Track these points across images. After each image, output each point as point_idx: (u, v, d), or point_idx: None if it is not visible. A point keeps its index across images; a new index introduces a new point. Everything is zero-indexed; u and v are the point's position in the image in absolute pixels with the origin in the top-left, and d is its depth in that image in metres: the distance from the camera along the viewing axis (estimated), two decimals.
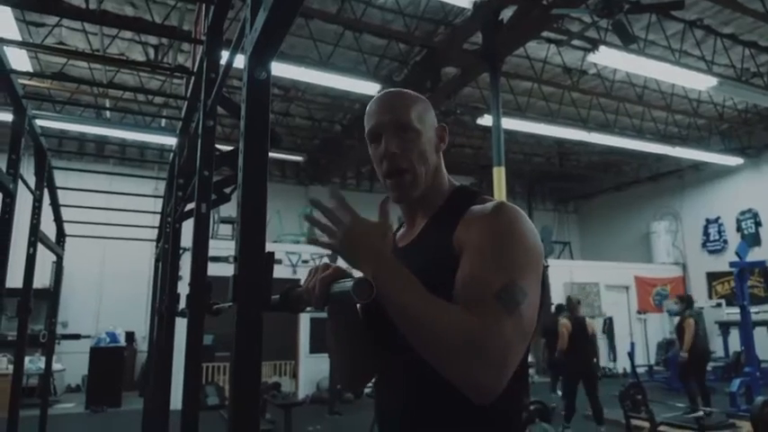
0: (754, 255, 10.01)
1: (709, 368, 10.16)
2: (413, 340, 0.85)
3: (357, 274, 0.93)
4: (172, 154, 4.12)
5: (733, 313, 9.59)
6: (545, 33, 7.48)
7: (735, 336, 9.37)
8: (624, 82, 9.47)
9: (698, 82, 7.79)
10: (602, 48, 6.73)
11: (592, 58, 7.12)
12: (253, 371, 0.87)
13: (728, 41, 8.25)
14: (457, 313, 0.83)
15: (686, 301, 7.45)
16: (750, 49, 8.47)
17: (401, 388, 1.00)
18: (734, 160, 11.51)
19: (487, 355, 0.80)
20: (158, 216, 6.44)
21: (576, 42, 7.99)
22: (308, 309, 0.97)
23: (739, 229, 12.13)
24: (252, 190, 0.92)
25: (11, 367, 4.48)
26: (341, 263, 0.97)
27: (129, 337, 10.06)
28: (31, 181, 3.87)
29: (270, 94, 1.00)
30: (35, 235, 3.58)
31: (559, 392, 7.14)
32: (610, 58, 6.98)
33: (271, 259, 0.91)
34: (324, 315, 1.11)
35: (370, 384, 1.15)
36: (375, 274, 0.85)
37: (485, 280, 0.86)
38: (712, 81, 7.67)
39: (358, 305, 1.07)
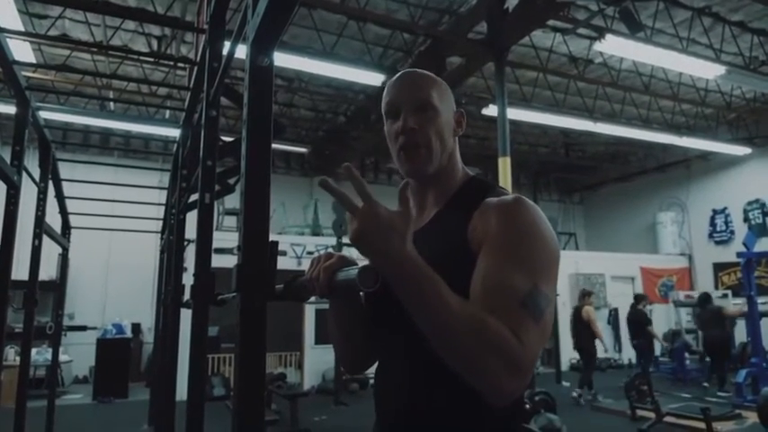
0: (762, 245, 9.94)
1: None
2: (434, 341, 0.81)
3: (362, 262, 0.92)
4: (176, 145, 4.11)
5: (739, 304, 9.55)
6: (551, 22, 7.38)
7: (741, 327, 9.32)
8: (631, 71, 9.38)
9: (706, 70, 7.69)
10: (609, 36, 6.65)
11: (598, 46, 7.03)
12: (257, 358, 0.87)
13: (737, 29, 8.13)
14: (486, 320, 0.79)
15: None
16: (759, 36, 8.36)
17: (403, 376, 0.99)
18: (741, 150, 11.39)
19: (517, 365, 0.79)
20: (163, 208, 6.46)
21: (582, 31, 7.91)
22: (313, 299, 0.96)
23: (746, 219, 12.03)
24: (255, 178, 0.90)
25: (18, 359, 4.51)
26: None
27: (136, 328, 10.11)
28: (36, 173, 3.87)
29: (273, 82, 0.99)
30: (40, 227, 3.59)
31: None
32: (616, 47, 6.90)
33: (274, 248, 0.90)
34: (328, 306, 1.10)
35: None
36: (393, 272, 0.79)
37: (509, 284, 0.84)
38: (720, 70, 7.57)
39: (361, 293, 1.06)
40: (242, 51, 1.15)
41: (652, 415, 5.89)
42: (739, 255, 7.43)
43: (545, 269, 0.89)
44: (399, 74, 1.10)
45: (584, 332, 7.61)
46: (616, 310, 11.96)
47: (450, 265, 0.86)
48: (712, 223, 12.83)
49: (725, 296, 11.39)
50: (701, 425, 5.37)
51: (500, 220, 0.92)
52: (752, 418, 5.73)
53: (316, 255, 0.96)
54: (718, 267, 12.52)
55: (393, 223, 0.79)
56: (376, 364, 1.12)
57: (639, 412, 6.26)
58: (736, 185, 12.29)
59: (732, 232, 12.30)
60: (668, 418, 5.86)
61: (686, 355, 9.61)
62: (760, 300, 7.54)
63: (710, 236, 12.86)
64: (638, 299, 8.73)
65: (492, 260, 0.88)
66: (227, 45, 1.81)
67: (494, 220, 0.92)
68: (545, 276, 0.88)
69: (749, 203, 12.01)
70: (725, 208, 12.55)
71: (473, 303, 0.84)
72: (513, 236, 0.89)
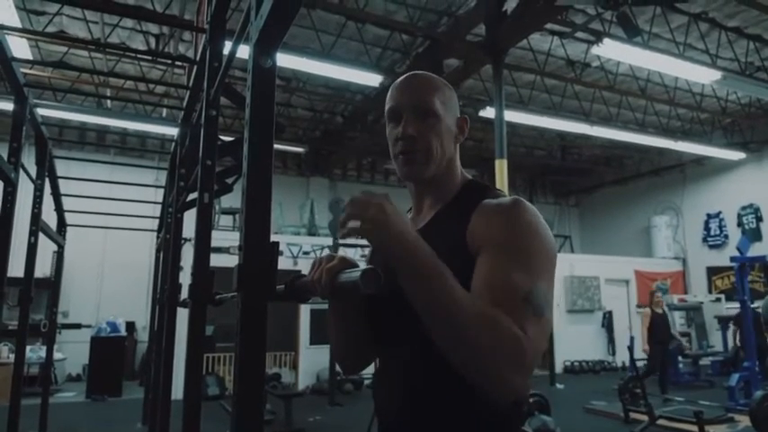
0: (755, 250, 10.00)
1: (707, 362, 10.26)
2: (441, 334, 0.81)
3: (362, 264, 0.93)
4: (173, 144, 4.11)
5: (732, 308, 9.60)
6: (549, 25, 7.41)
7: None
8: (627, 75, 9.42)
9: (702, 75, 7.73)
10: (606, 40, 6.67)
11: (595, 50, 7.05)
12: (258, 359, 0.87)
13: (733, 35, 8.19)
14: (498, 316, 0.80)
15: None
16: (755, 42, 8.42)
17: (402, 378, 0.99)
18: (736, 155, 11.46)
19: (524, 361, 0.80)
20: (159, 206, 6.44)
21: (579, 35, 7.94)
22: (312, 299, 0.97)
23: (740, 224, 12.11)
24: (257, 178, 0.91)
25: (12, 356, 4.49)
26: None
27: (130, 326, 10.08)
28: (33, 171, 3.86)
29: (275, 83, 0.99)
30: (36, 224, 3.58)
31: None
32: (613, 51, 6.92)
33: (276, 249, 0.90)
34: (324, 306, 1.10)
35: (369, 375, 1.14)
36: (408, 254, 0.81)
37: (511, 282, 0.85)
38: (716, 75, 7.62)
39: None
40: (242, 51, 1.15)
41: (645, 418, 5.91)
42: (733, 259, 7.46)
43: (544, 269, 0.90)
44: (404, 77, 1.09)
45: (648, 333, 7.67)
46: (610, 312, 12.00)
47: (449, 265, 0.85)
48: (706, 227, 12.90)
49: (718, 300, 11.47)
50: (694, 428, 5.40)
51: (500, 221, 0.92)
52: (744, 421, 5.76)
53: (312, 255, 0.97)
54: (712, 271, 12.58)
55: (399, 210, 0.84)
56: (374, 366, 1.13)
57: (633, 415, 6.28)
58: (730, 190, 12.36)
59: (726, 236, 12.37)
60: (661, 421, 5.88)
61: (679, 358, 9.64)
62: (753, 304, 7.58)
63: (704, 240, 12.93)
64: None
65: (493, 260, 0.89)
66: (227, 45, 1.82)
67: (493, 222, 0.93)
68: (544, 276, 0.89)
69: (743, 208, 12.08)
70: (719, 212, 12.61)
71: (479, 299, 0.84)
72: (513, 237, 0.90)
